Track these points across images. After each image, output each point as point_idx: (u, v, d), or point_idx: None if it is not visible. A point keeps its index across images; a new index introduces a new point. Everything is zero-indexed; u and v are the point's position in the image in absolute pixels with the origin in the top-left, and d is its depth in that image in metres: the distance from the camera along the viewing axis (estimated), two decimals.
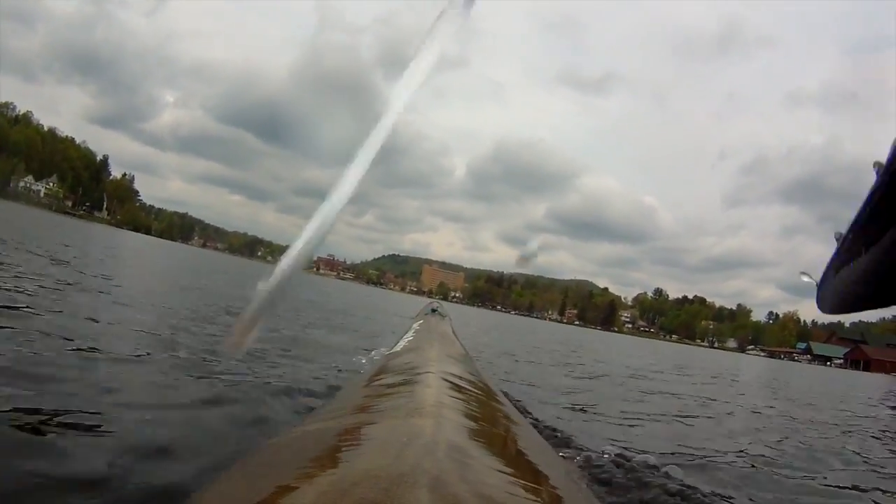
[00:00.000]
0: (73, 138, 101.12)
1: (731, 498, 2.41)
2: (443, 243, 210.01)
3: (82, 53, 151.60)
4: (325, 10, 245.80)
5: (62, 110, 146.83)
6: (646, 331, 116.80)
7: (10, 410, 1.85)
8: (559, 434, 2.90)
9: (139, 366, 2.98)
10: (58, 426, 1.82)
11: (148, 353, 3.23)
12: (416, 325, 3.62)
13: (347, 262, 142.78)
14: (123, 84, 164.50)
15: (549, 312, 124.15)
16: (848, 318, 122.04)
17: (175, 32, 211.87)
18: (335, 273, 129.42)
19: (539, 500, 0.78)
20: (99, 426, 1.88)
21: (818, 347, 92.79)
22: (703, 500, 2.16)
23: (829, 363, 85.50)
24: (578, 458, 2.45)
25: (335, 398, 1.74)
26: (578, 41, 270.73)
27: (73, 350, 2.92)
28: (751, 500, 2.47)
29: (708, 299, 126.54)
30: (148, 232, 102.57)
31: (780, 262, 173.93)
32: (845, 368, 77.99)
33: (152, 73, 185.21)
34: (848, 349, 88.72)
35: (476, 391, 1.51)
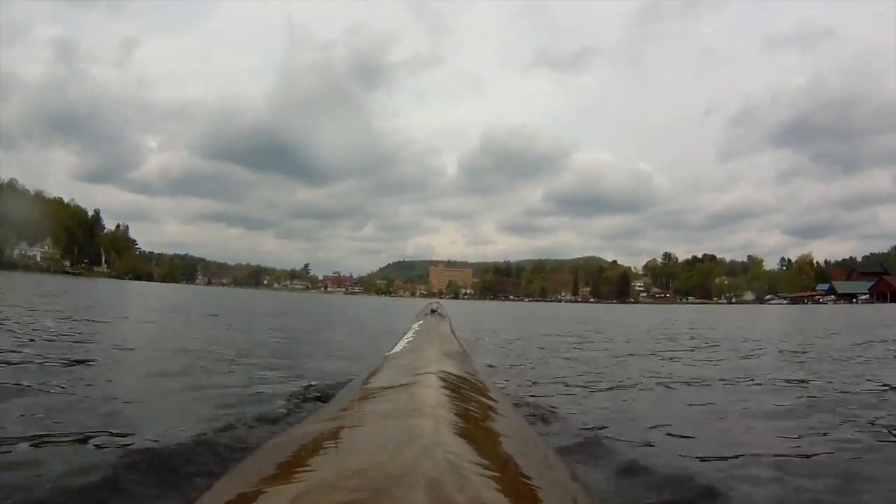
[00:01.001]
0: (61, 198, 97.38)
1: None
2: (446, 243, 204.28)
3: (60, 114, 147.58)
4: (294, 30, 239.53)
5: (49, 173, 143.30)
6: (661, 297, 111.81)
7: None
8: None
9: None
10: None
11: None
12: (415, 326, 3.56)
13: (354, 277, 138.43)
14: (105, 137, 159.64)
15: (563, 294, 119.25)
16: (860, 252, 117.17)
17: (147, 78, 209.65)
18: (343, 289, 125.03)
19: (536, 500, 0.76)
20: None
21: (841, 286, 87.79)
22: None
23: (854, 300, 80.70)
24: None
25: (335, 399, 1.72)
26: (547, 21, 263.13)
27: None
28: None
29: (717, 255, 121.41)
30: (150, 278, 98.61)
31: (782, 208, 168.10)
32: (872, 303, 73.19)
33: (132, 123, 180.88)
34: (872, 283, 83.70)
35: (474, 391, 1.48)
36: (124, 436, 2.07)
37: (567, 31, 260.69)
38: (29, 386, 2.95)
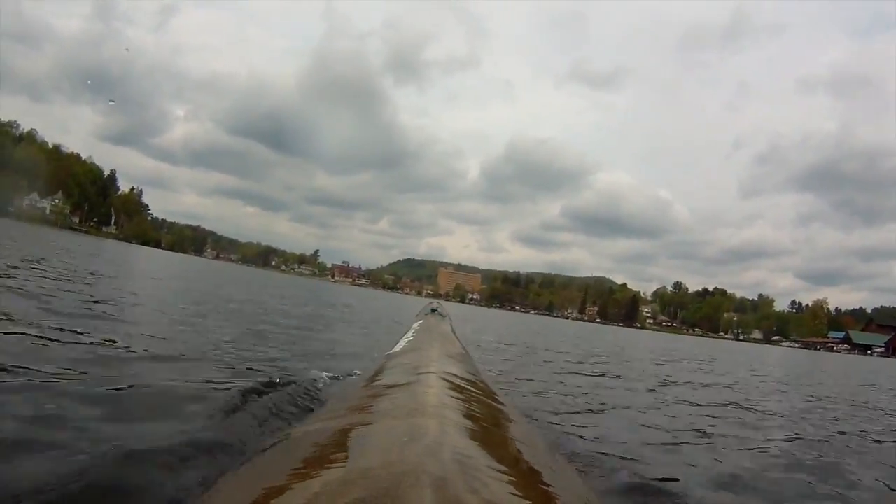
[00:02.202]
0: (78, 154, 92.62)
1: None
2: (458, 246, 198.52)
3: (91, 72, 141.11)
4: (333, 16, 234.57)
5: (73, 129, 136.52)
6: (668, 325, 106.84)
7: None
8: None
9: None
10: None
11: None
12: (416, 325, 3.48)
13: (363, 269, 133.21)
14: (133, 100, 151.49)
15: (569, 311, 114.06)
16: (869, 304, 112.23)
17: (182, 47, 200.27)
18: (350, 280, 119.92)
19: (541, 500, 0.75)
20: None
21: (857, 336, 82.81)
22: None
23: (869, 352, 75.79)
24: None
25: (336, 398, 1.66)
26: (586, 37, 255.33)
27: None
28: None
29: (728, 291, 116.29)
30: (158, 245, 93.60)
31: (798, 251, 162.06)
32: (887, 357, 68.38)
33: (162, 89, 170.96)
34: (889, 336, 78.80)
35: (476, 391, 1.45)
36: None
37: (604, 49, 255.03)
38: None
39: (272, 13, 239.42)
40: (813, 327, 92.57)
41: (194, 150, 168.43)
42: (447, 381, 1.34)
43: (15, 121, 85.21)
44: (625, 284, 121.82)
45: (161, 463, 1.48)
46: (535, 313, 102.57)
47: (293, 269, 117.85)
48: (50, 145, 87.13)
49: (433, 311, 4.23)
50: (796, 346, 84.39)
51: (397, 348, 2.42)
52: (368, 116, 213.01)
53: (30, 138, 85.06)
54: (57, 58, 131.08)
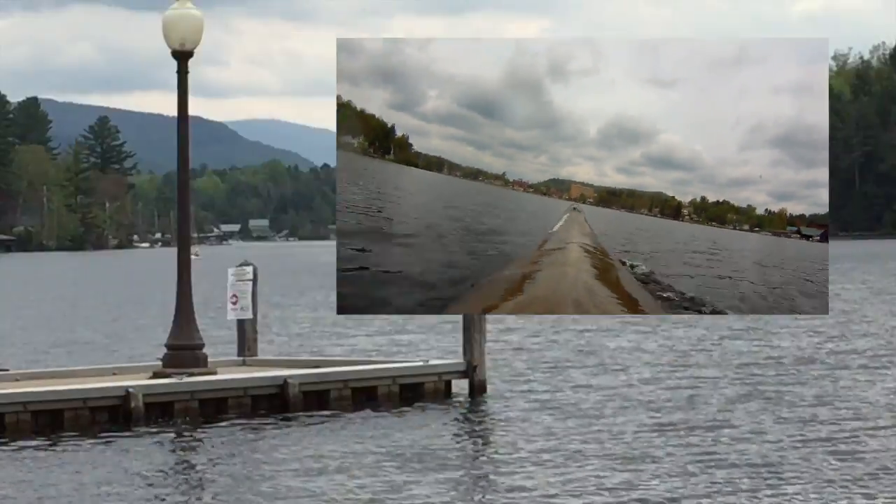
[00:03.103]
0: None
1: None
2: None
3: None
4: None
5: None
6: None
7: None
8: None
9: None
10: None
11: None
12: (565, 216, 12.26)
13: None
14: None
15: None
16: (808, 212, 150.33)
17: None
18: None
19: (642, 311, 2.44)
20: None
21: (804, 230, 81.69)
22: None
23: (810, 238, 69.57)
24: None
25: (521, 256, 3.82)
26: None
27: None
28: None
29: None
30: None
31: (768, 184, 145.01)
32: (821, 242, 55.94)
33: None
34: (822, 231, 77.92)
35: (599, 253, 4.61)
36: None
37: None
38: None
39: None
40: (779, 225, 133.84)
41: None
42: (582, 247, 4.10)
43: None
44: None
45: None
46: None
47: None
48: None
49: (574, 209, 15.62)
50: (769, 234, 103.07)
51: (555, 228, 6.71)
52: None
53: None
54: None
